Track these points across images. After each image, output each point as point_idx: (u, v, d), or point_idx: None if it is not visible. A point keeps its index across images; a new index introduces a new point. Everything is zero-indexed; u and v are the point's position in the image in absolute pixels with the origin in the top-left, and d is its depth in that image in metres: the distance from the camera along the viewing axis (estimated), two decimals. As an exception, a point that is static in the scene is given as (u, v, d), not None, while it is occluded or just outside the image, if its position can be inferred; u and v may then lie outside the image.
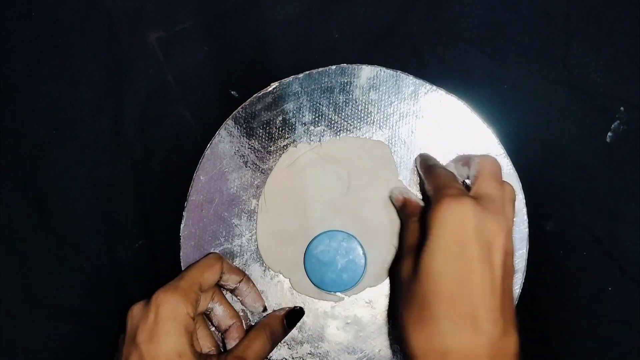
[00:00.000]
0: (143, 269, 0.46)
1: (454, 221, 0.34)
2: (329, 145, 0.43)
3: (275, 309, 0.44)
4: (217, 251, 0.44)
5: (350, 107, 0.44)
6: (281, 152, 0.44)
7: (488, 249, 0.34)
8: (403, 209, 0.41)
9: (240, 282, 0.43)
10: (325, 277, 0.42)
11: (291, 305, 0.44)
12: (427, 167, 0.41)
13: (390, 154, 0.43)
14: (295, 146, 0.44)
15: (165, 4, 0.47)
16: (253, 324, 0.43)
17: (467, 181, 0.40)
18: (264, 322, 0.42)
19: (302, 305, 0.43)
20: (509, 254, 0.35)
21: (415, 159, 0.43)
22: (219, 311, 0.42)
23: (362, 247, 0.42)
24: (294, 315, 0.43)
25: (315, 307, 0.43)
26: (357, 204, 0.43)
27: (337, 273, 0.42)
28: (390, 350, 0.43)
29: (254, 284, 0.44)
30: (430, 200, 0.37)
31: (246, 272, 0.44)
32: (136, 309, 0.38)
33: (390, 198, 0.42)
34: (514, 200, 0.39)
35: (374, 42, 0.46)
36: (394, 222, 0.43)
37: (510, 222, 0.37)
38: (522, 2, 0.45)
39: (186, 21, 0.47)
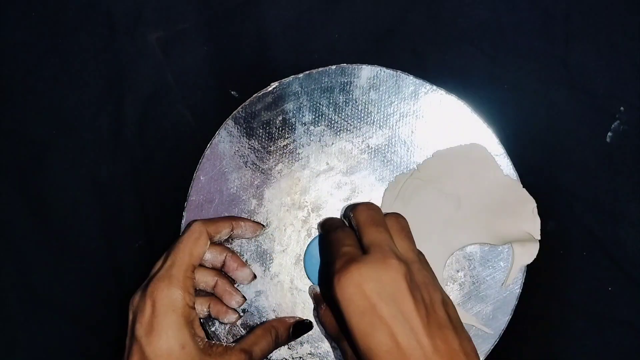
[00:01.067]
0: (143, 269, 0.46)
1: (353, 295, 0.33)
2: (425, 166, 0.43)
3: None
4: (217, 251, 0.44)
5: (350, 107, 0.44)
6: (281, 152, 0.44)
7: (395, 301, 0.32)
8: (318, 302, 0.42)
9: (231, 231, 0.42)
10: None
11: (289, 305, 0.44)
12: (325, 236, 0.40)
13: (487, 152, 0.42)
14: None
15: (165, 4, 0.47)
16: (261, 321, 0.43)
17: None
18: (272, 323, 0.42)
19: (302, 305, 0.43)
20: (420, 288, 0.34)
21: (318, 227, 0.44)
22: (208, 256, 0.41)
23: None
24: (302, 327, 0.43)
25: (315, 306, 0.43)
26: (472, 212, 0.42)
27: None
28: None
29: (237, 257, 0.43)
30: None
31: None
32: (135, 300, 0.38)
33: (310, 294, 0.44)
34: (406, 228, 0.38)
35: (374, 42, 0.46)
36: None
37: (408, 255, 0.36)
38: (522, 2, 0.45)
39: (186, 21, 0.47)
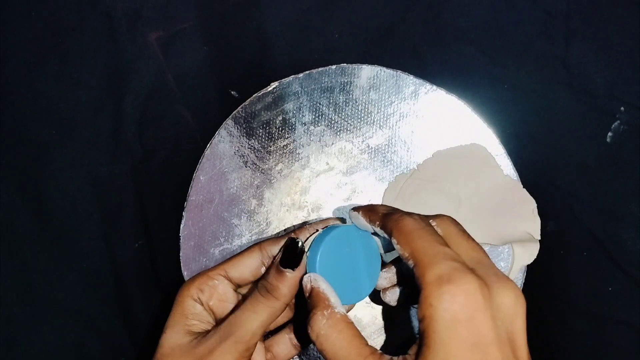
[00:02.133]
0: (143, 269, 0.46)
1: (466, 319, 0.26)
2: (426, 166, 0.43)
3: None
4: (217, 251, 0.44)
5: (350, 107, 0.44)
6: (281, 152, 0.44)
7: (511, 343, 0.27)
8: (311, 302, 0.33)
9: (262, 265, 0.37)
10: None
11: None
12: (385, 217, 0.32)
13: (487, 152, 0.43)
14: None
15: (165, 4, 0.47)
16: None
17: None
18: (258, 283, 0.36)
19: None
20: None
21: (352, 214, 0.36)
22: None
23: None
24: (289, 252, 0.35)
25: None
26: (473, 212, 0.42)
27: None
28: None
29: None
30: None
31: None
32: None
33: (304, 285, 0.34)
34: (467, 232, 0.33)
35: (374, 42, 0.46)
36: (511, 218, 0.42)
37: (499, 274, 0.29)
38: (523, 2, 0.45)
39: (186, 21, 0.47)
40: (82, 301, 0.46)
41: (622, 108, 0.45)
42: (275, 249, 0.37)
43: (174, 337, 0.36)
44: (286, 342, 0.39)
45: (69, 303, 0.46)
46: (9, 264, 0.46)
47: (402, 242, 0.30)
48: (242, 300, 0.37)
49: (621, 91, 0.45)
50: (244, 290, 0.39)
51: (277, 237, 0.38)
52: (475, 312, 0.26)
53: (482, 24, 0.46)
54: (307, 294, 0.33)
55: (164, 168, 0.46)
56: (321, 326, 0.31)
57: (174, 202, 0.44)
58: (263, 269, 0.37)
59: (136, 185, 0.46)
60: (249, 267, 0.38)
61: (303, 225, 0.41)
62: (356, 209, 0.35)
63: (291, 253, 0.35)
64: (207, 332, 0.36)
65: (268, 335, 0.39)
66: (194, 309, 0.37)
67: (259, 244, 0.38)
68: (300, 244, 0.35)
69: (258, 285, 0.36)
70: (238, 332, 0.34)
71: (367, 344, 0.30)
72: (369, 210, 0.34)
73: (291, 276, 0.34)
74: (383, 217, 0.32)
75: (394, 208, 0.33)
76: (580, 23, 0.45)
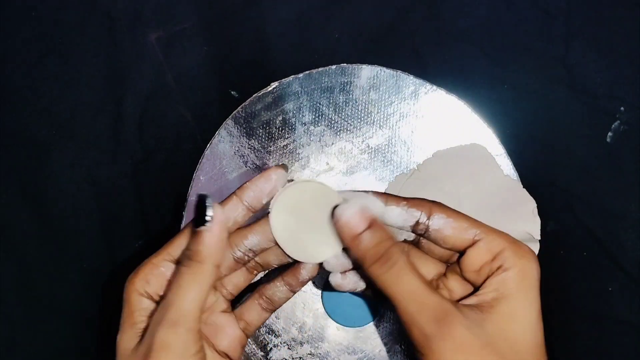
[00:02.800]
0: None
1: (537, 281, 0.31)
2: (425, 167, 0.43)
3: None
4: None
5: (350, 107, 0.44)
6: (281, 152, 0.44)
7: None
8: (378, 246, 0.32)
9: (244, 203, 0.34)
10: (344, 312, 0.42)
11: (289, 304, 0.42)
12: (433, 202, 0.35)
13: (487, 152, 0.42)
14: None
15: (165, 4, 0.47)
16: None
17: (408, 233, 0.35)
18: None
19: (303, 306, 0.43)
20: None
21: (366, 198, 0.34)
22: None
23: None
24: (200, 210, 0.32)
25: (315, 307, 0.43)
26: (473, 212, 0.42)
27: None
28: (390, 350, 0.43)
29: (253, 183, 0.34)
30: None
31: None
32: None
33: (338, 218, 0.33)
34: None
35: (374, 42, 0.46)
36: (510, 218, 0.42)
37: None
38: (523, 2, 0.45)
39: (186, 21, 0.47)
40: (82, 301, 0.46)
41: (622, 108, 0.45)
42: (246, 242, 0.35)
43: (124, 340, 0.32)
44: (256, 308, 0.37)
45: (69, 303, 0.46)
46: (9, 264, 0.46)
47: (459, 216, 0.33)
48: None
49: (621, 91, 0.45)
50: None
51: (246, 226, 0.36)
52: (539, 274, 0.32)
53: (482, 24, 0.46)
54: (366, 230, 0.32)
55: (164, 168, 0.46)
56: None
57: (174, 202, 0.44)
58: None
59: (136, 185, 0.46)
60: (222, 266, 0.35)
61: None
62: (371, 192, 0.34)
63: (202, 210, 0.32)
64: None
65: (236, 303, 0.37)
66: (140, 304, 0.33)
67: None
68: (207, 198, 0.32)
69: (180, 260, 0.33)
70: (169, 316, 0.31)
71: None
72: (390, 195, 0.34)
73: (209, 233, 0.32)
74: (412, 199, 0.34)
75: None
76: (581, 23, 0.45)
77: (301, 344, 0.43)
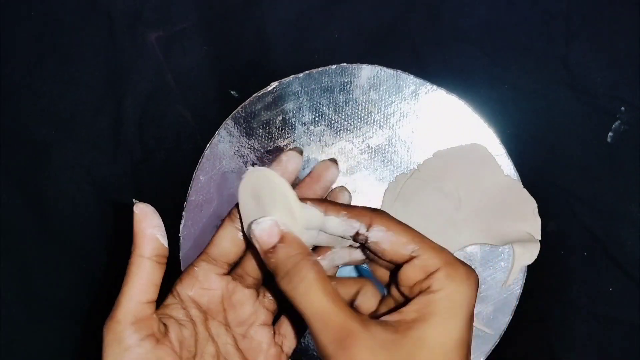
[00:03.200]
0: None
1: (464, 307, 0.29)
2: (426, 166, 0.43)
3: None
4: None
5: (350, 106, 0.44)
6: (281, 152, 0.44)
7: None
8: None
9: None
10: None
11: None
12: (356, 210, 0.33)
13: (488, 152, 0.42)
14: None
15: (165, 4, 0.47)
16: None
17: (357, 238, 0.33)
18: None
19: None
20: None
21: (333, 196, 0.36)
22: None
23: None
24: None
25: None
26: (473, 213, 0.42)
27: None
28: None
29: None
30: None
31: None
32: None
33: (250, 235, 0.32)
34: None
35: (374, 42, 0.46)
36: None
37: None
38: (523, 2, 0.45)
39: (186, 21, 0.47)
40: (82, 301, 0.46)
41: (622, 108, 0.45)
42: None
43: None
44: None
45: (69, 303, 0.46)
46: (9, 264, 0.46)
47: (399, 230, 0.31)
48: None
49: (622, 91, 0.45)
50: (239, 271, 0.35)
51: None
52: (472, 300, 0.30)
53: (482, 24, 0.46)
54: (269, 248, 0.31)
55: (164, 168, 0.46)
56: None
57: (174, 202, 0.44)
58: (241, 235, 0.35)
59: (136, 185, 0.46)
60: (226, 238, 0.35)
61: None
62: (309, 200, 0.32)
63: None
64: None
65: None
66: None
67: (229, 212, 0.35)
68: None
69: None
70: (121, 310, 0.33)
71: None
72: (330, 203, 0.32)
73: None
74: (353, 208, 0.32)
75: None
76: (581, 23, 0.45)
77: (301, 344, 0.43)
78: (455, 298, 0.29)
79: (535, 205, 0.42)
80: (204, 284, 0.34)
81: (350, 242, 0.33)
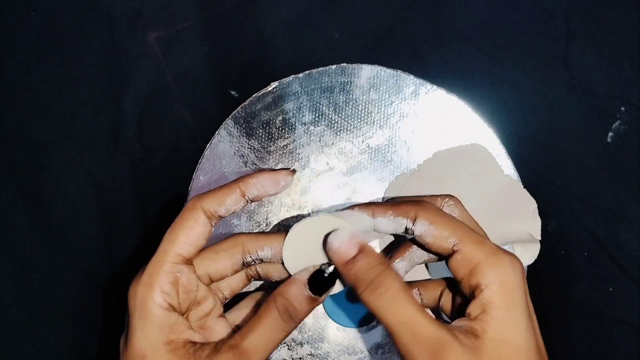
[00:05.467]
0: (143, 269, 0.46)
1: (520, 289, 0.31)
2: (426, 167, 0.43)
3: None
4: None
5: (350, 106, 0.44)
6: (281, 152, 0.44)
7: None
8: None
9: (243, 197, 0.34)
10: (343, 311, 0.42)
11: None
12: (402, 205, 0.34)
13: (488, 152, 0.42)
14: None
15: (165, 3, 0.47)
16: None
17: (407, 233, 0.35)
18: (275, 293, 0.33)
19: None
20: None
21: (349, 213, 0.35)
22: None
23: None
24: (323, 277, 0.33)
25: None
26: (473, 213, 0.42)
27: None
28: (391, 351, 0.43)
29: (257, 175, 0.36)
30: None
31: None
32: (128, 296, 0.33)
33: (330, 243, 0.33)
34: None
35: (374, 42, 0.46)
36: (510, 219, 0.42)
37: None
38: (523, 2, 0.45)
39: (186, 21, 0.47)
40: (82, 301, 0.46)
41: (622, 108, 0.45)
42: (222, 208, 0.34)
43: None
44: (250, 316, 0.37)
45: (69, 303, 0.46)
46: (9, 264, 0.46)
47: (442, 223, 0.32)
48: (252, 314, 0.35)
49: (622, 91, 0.45)
50: (202, 271, 0.35)
51: (217, 189, 0.35)
52: (524, 285, 0.31)
53: (482, 24, 0.46)
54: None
55: (164, 168, 0.46)
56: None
57: (174, 202, 0.44)
58: (212, 229, 0.35)
59: (136, 185, 0.46)
60: (203, 235, 0.34)
61: (298, 218, 0.40)
62: (356, 207, 0.35)
63: (322, 278, 0.34)
64: (192, 344, 0.32)
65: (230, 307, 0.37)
66: (168, 321, 0.32)
67: (195, 204, 0.34)
68: (332, 268, 0.33)
69: (278, 306, 0.32)
70: (255, 356, 0.31)
71: None
72: (377, 206, 0.34)
73: (318, 303, 0.33)
74: (398, 206, 0.34)
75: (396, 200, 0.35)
76: (581, 23, 0.45)
77: (301, 344, 0.43)
78: (508, 286, 0.30)
79: (535, 205, 0.42)
80: (187, 287, 0.34)
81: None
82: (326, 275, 0.34)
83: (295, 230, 0.35)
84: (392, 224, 0.33)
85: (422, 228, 0.32)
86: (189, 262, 0.34)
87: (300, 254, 0.35)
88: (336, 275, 0.34)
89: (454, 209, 0.35)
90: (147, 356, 0.31)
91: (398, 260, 0.35)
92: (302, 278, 0.33)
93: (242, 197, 0.35)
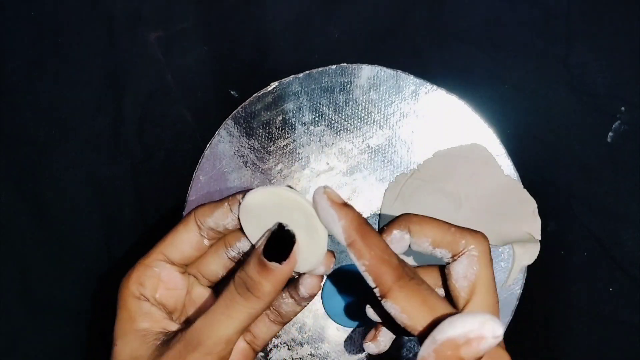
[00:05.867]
0: (143, 269, 0.46)
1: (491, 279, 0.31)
2: (426, 166, 0.43)
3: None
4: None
5: (350, 107, 0.44)
6: (281, 152, 0.44)
7: None
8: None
9: (231, 211, 0.32)
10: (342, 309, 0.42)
11: None
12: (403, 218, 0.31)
13: (488, 152, 0.42)
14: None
15: (164, 3, 0.47)
16: None
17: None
18: (235, 277, 0.30)
19: (307, 310, 0.43)
20: None
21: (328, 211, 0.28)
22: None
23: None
24: (275, 240, 0.30)
25: (315, 307, 0.43)
26: (472, 212, 0.42)
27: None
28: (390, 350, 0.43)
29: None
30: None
31: None
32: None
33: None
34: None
35: (374, 42, 0.46)
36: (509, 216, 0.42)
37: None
38: (523, 1, 0.45)
39: (186, 21, 0.46)
40: (82, 301, 0.46)
41: (622, 108, 0.45)
42: (211, 220, 0.32)
43: (127, 349, 0.31)
44: (264, 319, 0.34)
45: (69, 303, 0.46)
46: (9, 264, 0.46)
47: (413, 314, 0.27)
48: (213, 296, 0.33)
49: (622, 91, 0.45)
50: (193, 270, 0.34)
51: (212, 202, 0.33)
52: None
53: (482, 24, 0.46)
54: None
55: (164, 168, 0.46)
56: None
57: (174, 202, 0.44)
58: (206, 242, 0.32)
59: (136, 185, 0.46)
60: (189, 242, 0.32)
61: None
62: (343, 220, 0.27)
63: (278, 240, 0.30)
64: (165, 334, 0.31)
65: None
66: (140, 309, 0.32)
67: (191, 212, 0.33)
68: (290, 230, 0.29)
69: (234, 280, 0.30)
70: (208, 342, 0.29)
71: None
72: (362, 234, 0.27)
73: (279, 271, 0.29)
74: (377, 263, 0.28)
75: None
76: (581, 23, 0.45)
77: (301, 344, 0.43)
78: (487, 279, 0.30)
79: (536, 205, 0.42)
80: (169, 284, 0.33)
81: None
82: (287, 237, 0.29)
83: (250, 197, 0.31)
84: (360, 270, 0.27)
85: (392, 311, 0.27)
86: (172, 263, 0.33)
87: (257, 224, 0.31)
88: (291, 237, 0.29)
89: (473, 263, 0.30)
90: (117, 340, 0.31)
91: (377, 340, 0.33)
92: (258, 243, 0.30)
93: (229, 212, 0.32)
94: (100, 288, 0.46)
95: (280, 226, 0.30)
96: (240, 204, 0.31)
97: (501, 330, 0.24)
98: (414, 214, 0.31)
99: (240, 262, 0.34)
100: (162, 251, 0.33)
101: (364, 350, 0.42)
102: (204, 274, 0.34)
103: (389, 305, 0.27)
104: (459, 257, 0.30)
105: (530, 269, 0.42)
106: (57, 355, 0.46)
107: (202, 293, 0.35)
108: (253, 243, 0.32)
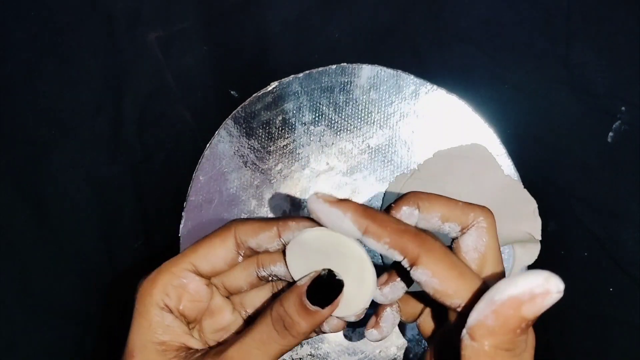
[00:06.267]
0: (142, 269, 0.46)
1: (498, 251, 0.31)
2: (426, 167, 0.43)
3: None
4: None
5: (350, 106, 0.44)
6: (281, 152, 0.44)
7: None
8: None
9: (278, 237, 0.30)
10: None
11: None
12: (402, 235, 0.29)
13: (488, 152, 0.42)
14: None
15: (164, 3, 0.47)
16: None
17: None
18: (272, 305, 0.30)
19: None
20: None
21: (328, 211, 0.28)
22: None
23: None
24: (325, 287, 0.29)
25: (315, 307, 0.43)
26: None
27: None
28: (390, 351, 0.43)
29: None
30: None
31: None
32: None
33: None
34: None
35: (374, 42, 0.46)
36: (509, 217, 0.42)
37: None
38: (523, 1, 0.45)
39: (185, 21, 0.46)
40: (82, 301, 0.46)
41: (623, 108, 0.45)
42: (254, 241, 0.31)
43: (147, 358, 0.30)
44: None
45: (69, 303, 0.46)
46: (9, 264, 0.46)
47: (444, 277, 0.27)
48: (245, 324, 0.32)
49: (622, 91, 0.45)
50: (216, 280, 0.33)
51: (254, 219, 0.32)
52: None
53: (483, 24, 0.46)
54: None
55: (164, 168, 0.46)
56: None
57: (174, 202, 0.44)
58: (240, 259, 0.31)
59: (136, 185, 0.46)
60: (224, 258, 0.31)
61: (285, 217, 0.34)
62: (350, 212, 0.27)
63: (331, 291, 0.29)
64: (186, 350, 0.30)
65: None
66: (163, 321, 0.30)
67: (231, 226, 0.31)
68: (337, 276, 0.29)
69: (272, 314, 0.29)
70: None
71: None
72: (373, 220, 0.27)
73: (319, 315, 0.29)
74: (398, 236, 0.27)
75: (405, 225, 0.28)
76: (581, 23, 0.45)
77: (301, 344, 0.43)
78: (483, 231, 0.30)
79: (536, 205, 0.42)
80: (195, 296, 0.32)
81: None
82: (334, 283, 0.29)
83: (308, 234, 0.30)
84: (384, 251, 0.27)
85: (423, 277, 0.27)
86: (200, 274, 0.32)
87: (304, 260, 0.31)
88: (340, 285, 0.29)
89: (483, 235, 0.30)
90: (135, 352, 0.30)
91: (386, 287, 0.31)
92: (301, 283, 0.29)
93: (277, 237, 0.30)
94: (100, 288, 0.46)
95: (331, 273, 0.29)
96: (290, 230, 0.30)
97: (563, 285, 0.25)
98: (421, 192, 0.30)
99: (269, 282, 0.33)
100: (193, 262, 0.31)
101: (364, 351, 0.42)
102: (227, 287, 0.33)
103: (419, 272, 0.27)
104: (467, 229, 0.30)
105: (531, 268, 0.42)
106: (57, 355, 0.46)
107: (219, 303, 0.33)
108: (295, 278, 0.31)
